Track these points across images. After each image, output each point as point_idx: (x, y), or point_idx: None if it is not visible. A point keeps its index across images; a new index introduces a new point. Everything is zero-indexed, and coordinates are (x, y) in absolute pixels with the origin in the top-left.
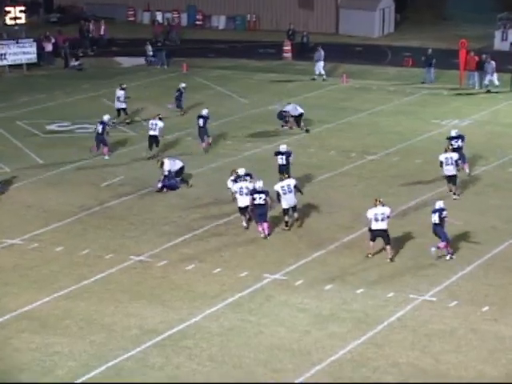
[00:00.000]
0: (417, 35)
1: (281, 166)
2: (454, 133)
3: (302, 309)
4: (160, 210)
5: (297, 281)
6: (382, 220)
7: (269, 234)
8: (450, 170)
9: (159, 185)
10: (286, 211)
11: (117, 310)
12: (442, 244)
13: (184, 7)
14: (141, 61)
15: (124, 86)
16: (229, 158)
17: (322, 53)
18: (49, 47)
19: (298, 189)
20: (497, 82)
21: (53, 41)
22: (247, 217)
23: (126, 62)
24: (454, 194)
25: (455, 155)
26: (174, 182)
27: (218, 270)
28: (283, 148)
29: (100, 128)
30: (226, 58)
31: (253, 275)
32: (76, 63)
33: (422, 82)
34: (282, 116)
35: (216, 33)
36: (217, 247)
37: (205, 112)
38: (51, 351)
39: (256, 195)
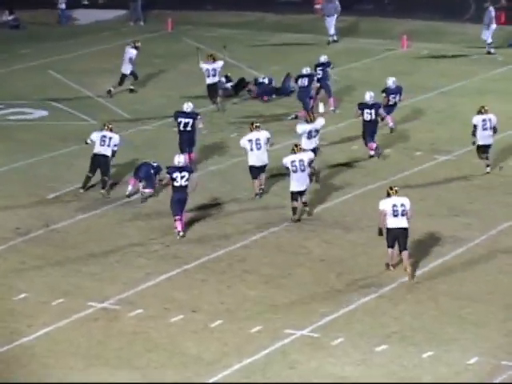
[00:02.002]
0: None
1: (367, 123)
2: (391, 82)
3: (343, 379)
4: (133, 234)
5: (334, 339)
6: (403, 215)
7: (183, 233)
8: (487, 137)
9: (130, 187)
10: (294, 195)
11: (68, 378)
12: None
13: None
14: (105, 15)
15: (138, 43)
16: (233, 158)
17: (338, 4)
18: None
19: (313, 170)
20: None
21: None
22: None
23: (84, 16)
24: (488, 166)
25: (493, 117)
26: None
27: (219, 322)
28: (370, 97)
29: (305, 81)
30: (230, 12)
31: (269, 330)
32: (10, 18)
33: (510, 45)
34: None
35: None
36: (216, 289)
37: (323, 59)
38: None
39: (176, 174)
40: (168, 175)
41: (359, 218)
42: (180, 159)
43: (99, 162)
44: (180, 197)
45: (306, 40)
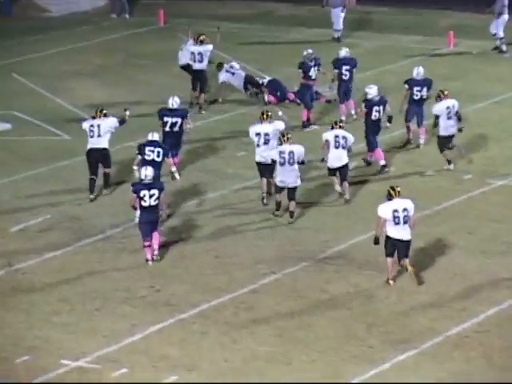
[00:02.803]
0: None
1: (373, 122)
2: (416, 72)
3: None
4: (116, 275)
5: None
6: (405, 222)
7: (160, 248)
8: (451, 127)
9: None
10: (278, 190)
11: None
12: None
13: None
14: (82, 6)
15: (202, 38)
16: (239, 182)
17: None
18: None
19: (301, 162)
20: None
21: None
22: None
23: (56, 7)
24: (450, 162)
25: (456, 103)
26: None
27: None
28: (377, 91)
29: None
30: (234, 1)
31: None
32: None
33: None
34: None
35: None
36: (219, 344)
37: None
38: None
39: (144, 192)
40: (134, 194)
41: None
42: (147, 172)
43: (96, 158)
44: (150, 218)
45: (326, 36)
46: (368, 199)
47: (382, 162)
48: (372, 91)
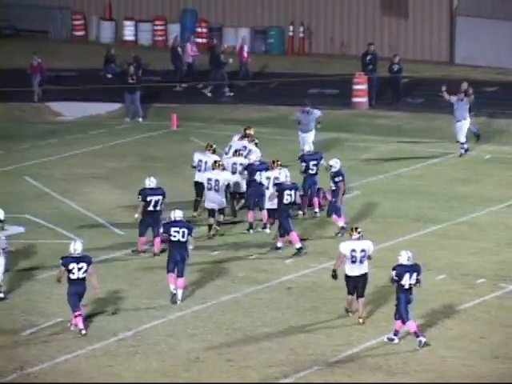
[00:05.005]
0: None
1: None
2: (335, 163)
3: None
4: (128, 378)
5: None
6: (362, 262)
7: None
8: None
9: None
10: (209, 213)
11: None
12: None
13: (175, 14)
14: (95, 109)
15: (250, 131)
16: (253, 284)
17: (317, 114)
18: None
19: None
20: None
21: None
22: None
23: (69, 111)
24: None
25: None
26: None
27: None
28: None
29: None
30: (249, 105)
31: None
32: None
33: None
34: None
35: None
36: None
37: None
38: None
39: (73, 265)
40: (63, 267)
41: (406, 360)
42: (76, 247)
43: (200, 189)
44: (78, 290)
45: (340, 140)
46: (378, 303)
47: (298, 245)
48: (282, 177)
